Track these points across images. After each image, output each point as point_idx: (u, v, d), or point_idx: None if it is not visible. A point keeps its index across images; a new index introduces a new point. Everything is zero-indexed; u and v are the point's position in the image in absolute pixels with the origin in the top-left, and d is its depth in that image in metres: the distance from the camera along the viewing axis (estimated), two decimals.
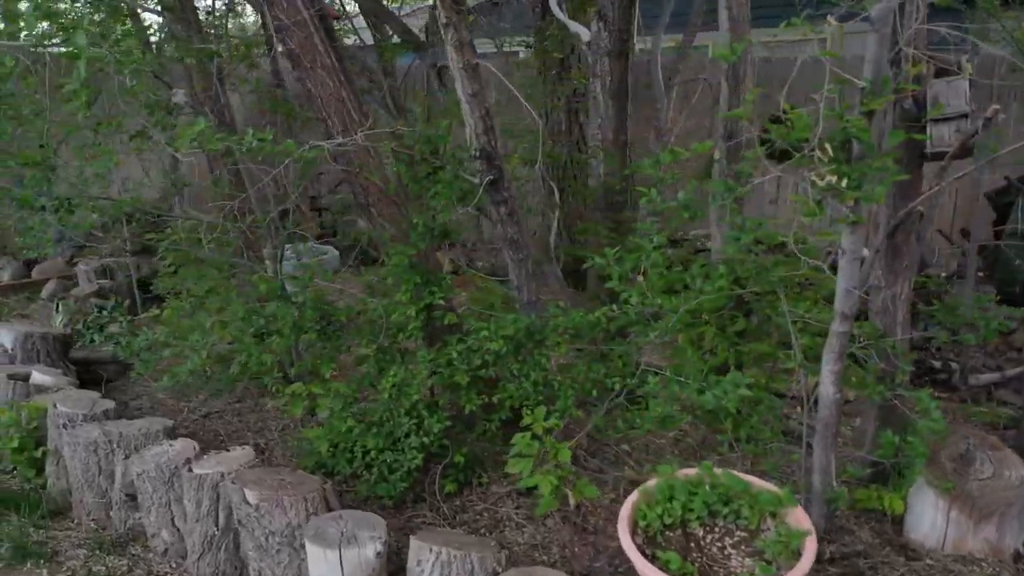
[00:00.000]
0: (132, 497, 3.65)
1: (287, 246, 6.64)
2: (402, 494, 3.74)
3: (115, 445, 3.70)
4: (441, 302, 3.94)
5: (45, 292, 7.14)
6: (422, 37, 7.42)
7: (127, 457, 3.68)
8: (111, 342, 5.10)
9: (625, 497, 3.99)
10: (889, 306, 3.56)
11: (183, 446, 3.61)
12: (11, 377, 4.49)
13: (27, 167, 3.45)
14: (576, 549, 3.55)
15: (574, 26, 4.96)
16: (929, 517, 3.35)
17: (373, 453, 3.76)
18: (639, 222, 5.70)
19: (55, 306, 6.08)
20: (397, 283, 4.01)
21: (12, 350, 5.01)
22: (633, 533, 2.81)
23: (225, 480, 3.32)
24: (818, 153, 2.62)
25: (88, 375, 5.37)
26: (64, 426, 3.96)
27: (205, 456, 3.54)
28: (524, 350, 3.86)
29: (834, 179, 2.69)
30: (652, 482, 3.01)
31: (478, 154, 3.68)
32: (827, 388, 3.35)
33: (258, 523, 3.05)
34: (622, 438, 4.52)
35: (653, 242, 3.48)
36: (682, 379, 3.55)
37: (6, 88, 2.93)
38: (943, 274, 6.41)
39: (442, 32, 3.30)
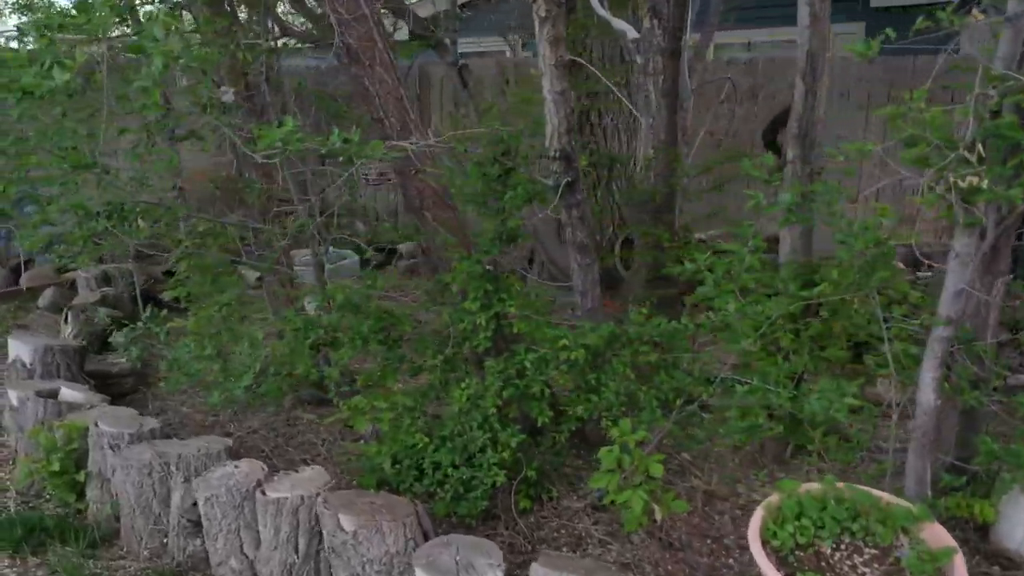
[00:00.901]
0: (193, 523, 3.41)
1: (303, 251, 6.40)
2: (482, 513, 3.56)
3: (173, 467, 3.46)
4: (512, 310, 3.76)
5: (43, 301, 6.79)
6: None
7: (187, 480, 3.44)
8: (135, 353, 4.83)
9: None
10: (981, 310, 3.48)
11: (250, 467, 3.39)
12: (39, 394, 4.21)
13: (78, 169, 3.20)
14: (669, 567, 3.41)
15: (618, 23, 4.80)
16: None
17: (449, 470, 3.57)
18: (682, 224, 5.61)
19: (63, 316, 5.76)
20: (462, 290, 3.82)
21: (31, 364, 4.71)
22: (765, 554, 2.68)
23: (306, 504, 3.10)
24: (965, 153, 2.51)
25: (104, 389, 5.08)
26: (110, 447, 3.71)
27: (275, 478, 3.32)
28: (601, 358, 3.71)
29: (976, 180, 2.59)
30: (775, 498, 2.87)
31: (558, 154, 3.51)
32: (926, 394, 3.25)
33: (355, 551, 2.85)
34: (680, 448, 4.40)
35: (748, 245, 3.36)
36: (770, 387, 3.45)
37: (75, 84, 2.67)
38: None
39: (536, 27, 3.13)
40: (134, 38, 2.75)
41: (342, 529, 2.87)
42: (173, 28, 2.84)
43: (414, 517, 2.93)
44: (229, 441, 3.61)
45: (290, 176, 4.12)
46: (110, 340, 5.56)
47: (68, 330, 5.62)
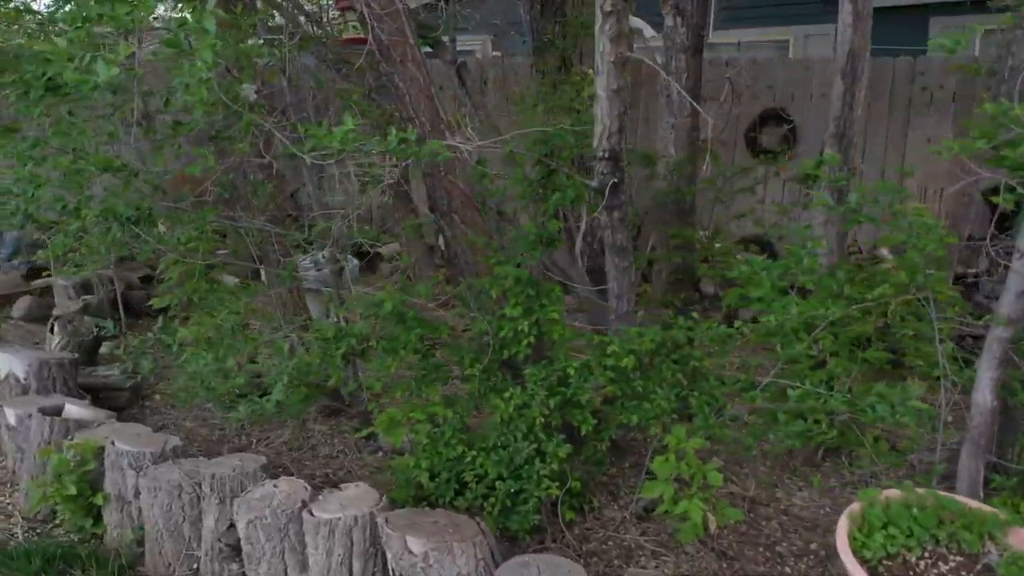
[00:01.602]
0: (231, 547, 3.22)
1: (302, 256, 6.18)
2: (534, 527, 3.43)
3: (207, 488, 3.26)
4: (555, 315, 3.64)
5: (17, 310, 6.45)
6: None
7: (221, 501, 3.24)
8: (148, 367, 4.57)
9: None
10: None
11: (291, 486, 3.21)
12: (43, 412, 3.94)
13: (108, 171, 2.98)
14: None
15: (634, 21, 4.71)
16: None
17: (496, 483, 3.43)
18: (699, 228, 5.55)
19: (48, 327, 5.45)
20: (501, 296, 3.69)
21: (26, 379, 4.43)
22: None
23: (360, 524, 2.94)
24: None
25: (98, 404, 4.81)
26: (131, 467, 3.48)
27: (320, 497, 3.14)
28: (649, 364, 3.61)
29: None
30: (856, 506, 2.80)
31: (607, 155, 3.40)
32: (983, 395, 3.23)
33: (424, 575, 2.69)
34: (708, 451, 4.33)
35: (807, 248, 3.29)
36: (821, 391, 3.39)
37: (118, 79, 2.47)
38: None
39: (599, 22, 3.01)
40: (159, 30, 2.56)
41: (410, 552, 2.72)
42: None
43: (483, 536, 2.78)
44: (263, 459, 3.41)
45: (312, 179, 3.93)
46: (99, 351, 5.28)
47: (55, 341, 5.32)
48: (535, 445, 3.50)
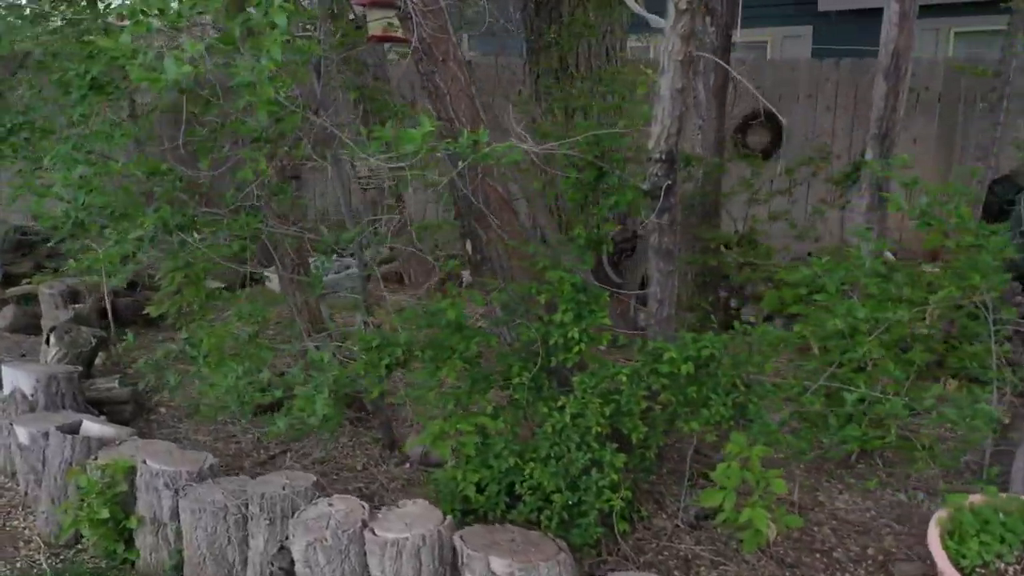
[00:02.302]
0: (284, 571, 3.06)
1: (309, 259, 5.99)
2: (597, 540, 3.33)
3: (256, 508, 3.09)
4: (606, 321, 3.55)
5: (1, 320, 6.15)
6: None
7: (271, 522, 3.08)
8: (174, 381, 4.35)
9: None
10: None
11: (347, 504, 3.07)
12: (61, 430, 3.73)
13: (154, 176, 2.81)
14: None
15: (654, 19, 4.64)
16: None
17: (555, 495, 3.32)
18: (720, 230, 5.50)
19: (45, 338, 5.19)
20: (549, 302, 3.59)
21: (32, 395, 4.20)
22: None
23: (428, 544, 2.81)
24: None
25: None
26: (167, 487, 3.30)
27: (379, 515, 3.01)
28: (704, 370, 3.53)
29: None
30: (943, 513, 2.76)
31: (663, 156, 3.32)
32: None
33: None
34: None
35: (865, 249, 3.25)
36: (877, 394, 3.36)
37: (190, 79, 2.32)
38: None
39: (671, 19, 2.92)
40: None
41: (492, 572, 2.60)
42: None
43: (565, 554, 2.68)
44: (312, 476, 3.26)
45: (341, 185, 3.78)
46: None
47: (52, 353, 5.07)
48: (589, 455, 3.41)
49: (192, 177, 2.90)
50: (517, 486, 3.50)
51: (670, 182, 3.42)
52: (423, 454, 4.34)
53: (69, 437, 3.64)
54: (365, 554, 2.91)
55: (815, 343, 3.37)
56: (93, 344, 5.27)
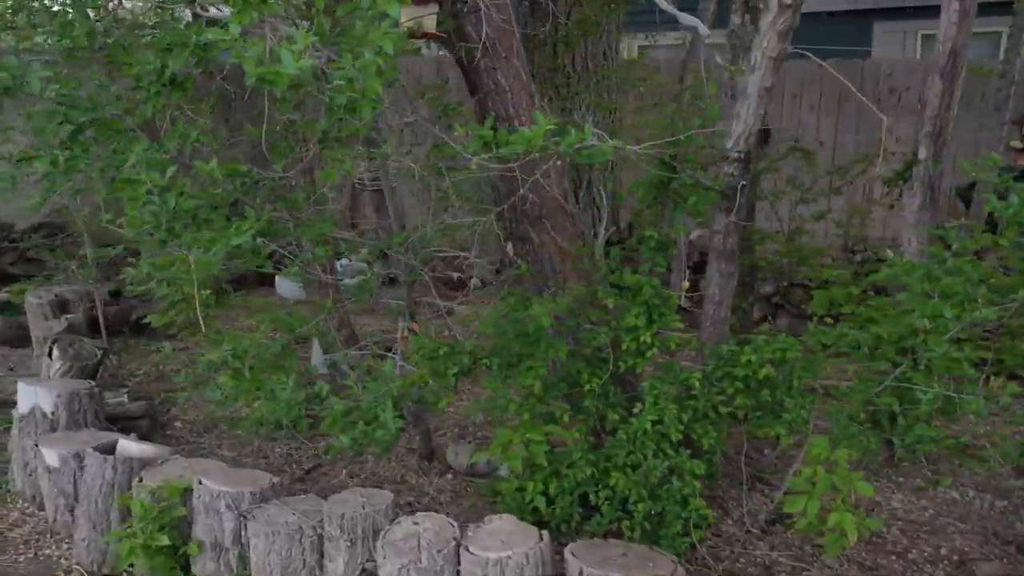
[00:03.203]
0: None
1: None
2: (686, 551, 3.24)
3: (335, 530, 2.92)
4: (678, 324, 3.46)
5: None
6: None
7: (352, 544, 2.92)
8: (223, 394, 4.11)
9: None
10: None
11: (435, 522, 2.91)
12: (99, 450, 3.49)
13: (231, 177, 2.63)
14: None
15: (687, 19, 4.62)
16: None
17: (638, 505, 3.23)
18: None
19: (47, 351, 4.88)
20: (618, 306, 3.49)
21: (54, 413, 3.93)
22: None
23: (531, 562, 2.68)
24: None
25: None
26: (230, 509, 3.10)
27: (469, 532, 2.87)
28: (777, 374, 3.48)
29: None
30: None
31: (741, 156, 3.25)
32: None
33: None
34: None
35: (952, 248, 3.23)
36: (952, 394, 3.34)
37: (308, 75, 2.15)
38: None
39: (770, 15, 2.85)
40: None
41: None
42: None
43: (680, 568, 2.58)
44: (389, 494, 3.10)
45: (387, 186, 3.63)
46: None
47: (56, 367, 4.77)
48: (667, 462, 3.33)
49: (273, 180, 2.72)
50: (591, 496, 3.40)
51: (744, 182, 3.35)
52: (469, 464, 4.21)
53: (110, 458, 3.40)
54: (460, 575, 2.76)
55: (890, 343, 3.33)
56: (98, 357, 4.99)
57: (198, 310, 4.93)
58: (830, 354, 3.75)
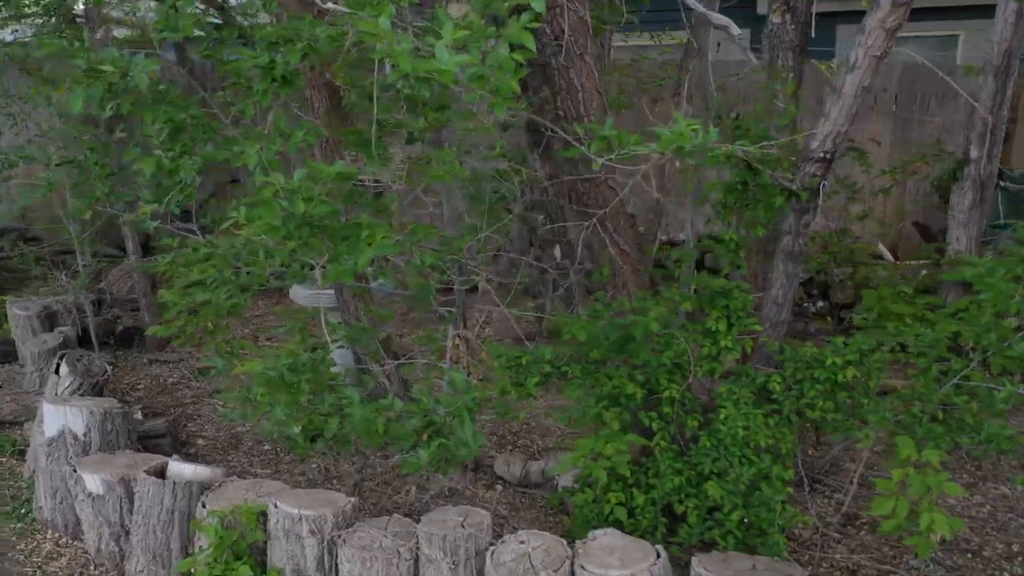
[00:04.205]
0: None
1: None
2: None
3: (436, 551, 2.77)
4: (758, 327, 3.41)
5: None
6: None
7: (455, 565, 2.77)
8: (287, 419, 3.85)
9: None
10: None
11: (541, 540, 2.79)
12: (152, 474, 3.26)
13: (341, 180, 2.45)
14: None
15: (718, 18, 4.59)
16: None
17: (734, 514, 3.15)
18: None
19: (54, 367, 4.57)
20: (697, 309, 3.42)
21: (86, 436, 3.66)
22: None
23: None
24: None
25: None
26: (313, 533, 2.92)
27: (579, 550, 2.75)
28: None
29: None
30: None
31: (826, 156, 3.21)
32: None
33: None
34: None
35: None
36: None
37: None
38: None
39: (881, 12, 2.80)
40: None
41: None
42: None
43: None
44: (485, 511, 2.96)
45: (445, 188, 3.48)
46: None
47: (66, 384, 4.47)
48: (754, 469, 3.27)
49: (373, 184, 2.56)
50: (676, 506, 3.32)
51: (825, 183, 3.31)
52: (522, 474, 4.08)
53: (168, 482, 3.18)
54: None
55: (969, 342, 3.33)
56: (108, 372, 4.70)
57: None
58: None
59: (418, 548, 2.83)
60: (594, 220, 3.74)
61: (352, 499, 3.08)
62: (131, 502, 3.35)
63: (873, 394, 3.42)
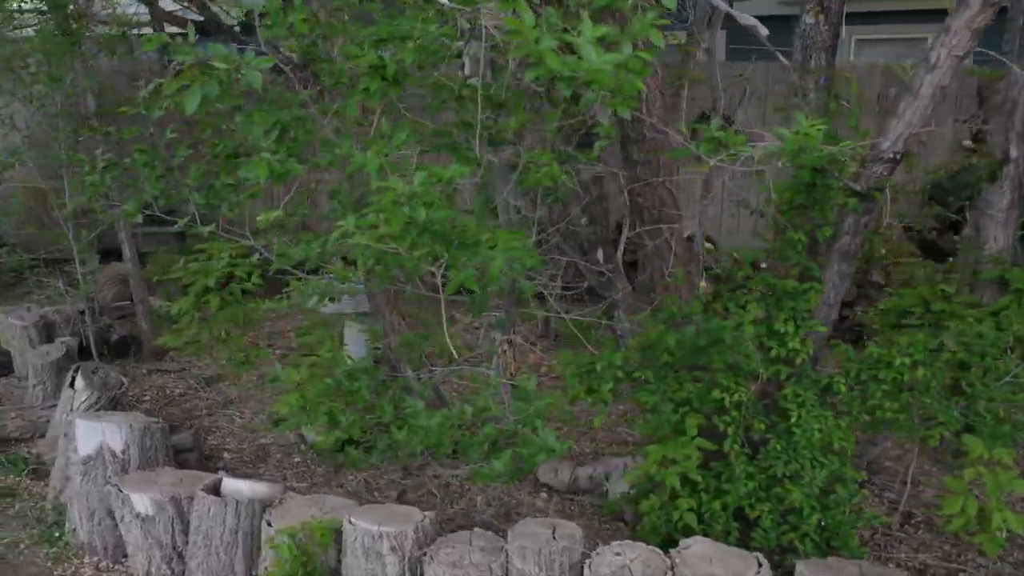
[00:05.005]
0: None
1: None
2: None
3: (532, 567, 2.68)
4: (823, 328, 3.40)
5: None
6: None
7: None
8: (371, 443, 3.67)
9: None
10: None
11: (636, 551, 2.72)
12: (209, 491, 3.11)
13: (441, 183, 2.35)
14: None
15: (746, 18, 4.58)
16: None
17: (812, 517, 3.13)
18: None
19: (69, 380, 4.35)
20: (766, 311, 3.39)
21: (124, 453, 3.47)
22: None
23: None
24: None
25: None
26: (395, 551, 2.81)
27: (676, 559, 2.69)
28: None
29: None
30: None
31: (895, 157, 3.21)
32: None
33: None
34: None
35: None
36: None
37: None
38: None
39: (969, 11, 2.79)
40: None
41: None
42: None
43: None
44: (571, 523, 2.88)
45: (502, 185, 3.40)
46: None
47: (83, 398, 4.25)
48: (826, 471, 3.25)
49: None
50: (748, 510, 3.28)
51: (891, 183, 3.31)
52: (571, 480, 4.01)
53: (231, 501, 3.03)
54: None
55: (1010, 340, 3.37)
56: (124, 385, 4.49)
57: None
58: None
59: (508, 563, 2.74)
60: (664, 228, 3.71)
61: (427, 513, 2.97)
62: (183, 522, 3.20)
63: (935, 393, 3.42)
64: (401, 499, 3.97)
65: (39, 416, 4.74)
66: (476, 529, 2.94)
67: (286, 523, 2.95)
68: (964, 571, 3.34)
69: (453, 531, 3.04)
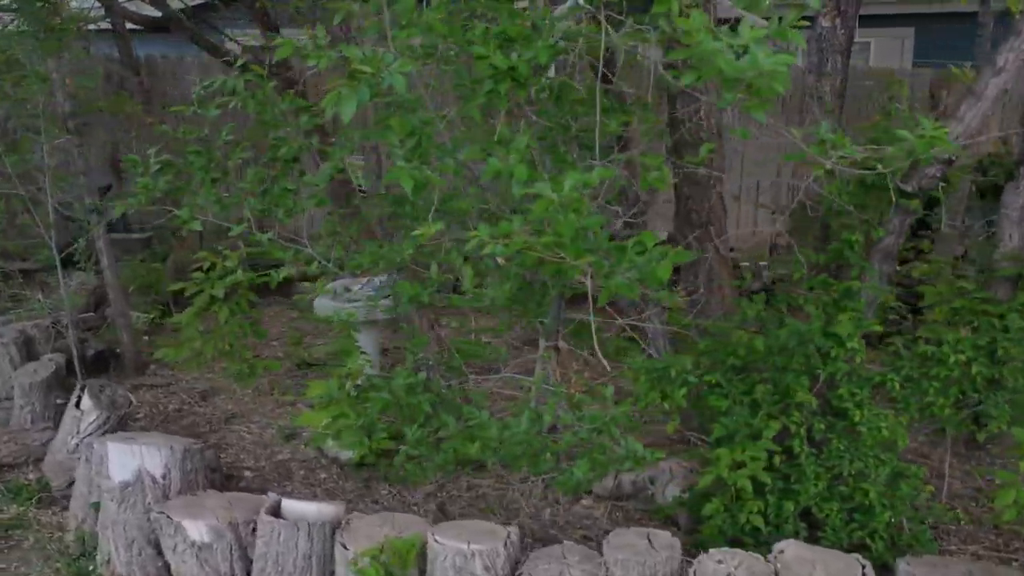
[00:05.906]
0: None
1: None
2: None
3: None
4: (879, 328, 3.44)
5: None
6: None
7: None
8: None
9: None
10: None
11: (739, 557, 2.70)
12: (275, 514, 2.95)
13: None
14: None
15: (755, 21, 4.65)
16: None
17: (882, 515, 3.16)
18: None
19: (75, 400, 4.07)
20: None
21: (165, 477, 3.27)
22: None
23: None
24: None
25: None
26: (488, 570, 2.71)
27: (777, 564, 2.68)
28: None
29: None
30: None
31: (950, 159, 3.27)
32: None
33: None
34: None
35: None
36: None
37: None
38: None
39: None
40: None
41: None
42: None
43: None
44: (666, 533, 2.83)
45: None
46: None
47: (91, 419, 3.99)
48: (888, 468, 3.29)
49: None
50: (815, 510, 3.30)
51: (943, 184, 3.38)
52: (614, 486, 3.97)
53: (304, 524, 2.88)
54: None
55: None
56: (132, 403, 4.25)
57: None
58: None
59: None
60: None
61: (511, 528, 2.89)
62: (241, 549, 3.03)
63: (982, 388, 3.51)
64: (442, 512, 3.86)
65: (32, 440, 4.43)
66: (566, 543, 2.87)
67: (361, 544, 2.81)
68: (1016, 560, 3.42)
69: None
